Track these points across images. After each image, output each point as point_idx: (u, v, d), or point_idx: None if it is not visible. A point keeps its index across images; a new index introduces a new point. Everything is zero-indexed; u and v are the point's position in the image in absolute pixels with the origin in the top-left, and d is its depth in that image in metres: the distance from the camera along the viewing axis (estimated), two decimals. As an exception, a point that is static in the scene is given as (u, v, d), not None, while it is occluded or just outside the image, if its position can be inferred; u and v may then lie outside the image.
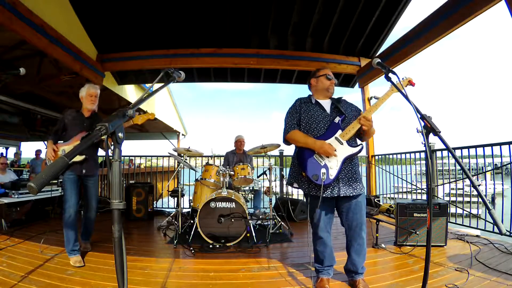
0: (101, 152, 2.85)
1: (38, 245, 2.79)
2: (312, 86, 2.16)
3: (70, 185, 2.50)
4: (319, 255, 2.07)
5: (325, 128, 1.96)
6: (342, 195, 1.90)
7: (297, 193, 5.66)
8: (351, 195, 1.91)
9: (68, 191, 2.48)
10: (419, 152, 4.45)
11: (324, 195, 1.88)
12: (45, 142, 2.62)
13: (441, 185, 4.36)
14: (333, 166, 1.87)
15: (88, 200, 2.69)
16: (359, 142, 2.04)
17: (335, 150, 1.87)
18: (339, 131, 1.92)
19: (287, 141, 2.08)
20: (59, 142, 2.64)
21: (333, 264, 2.10)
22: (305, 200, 2.04)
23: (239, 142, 4.75)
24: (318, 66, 5.03)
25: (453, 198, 7.73)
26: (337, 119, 1.95)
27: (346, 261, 2.07)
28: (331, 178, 1.86)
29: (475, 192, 1.41)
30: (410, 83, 1.77)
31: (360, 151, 1.94)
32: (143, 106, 7.55)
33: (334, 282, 2.11)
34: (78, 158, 2.48)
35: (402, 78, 1.75)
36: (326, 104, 2.08)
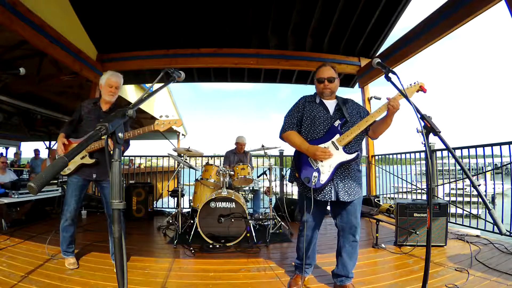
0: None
1: (40, 246, 2.78)
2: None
3: (72, 190, 2.30)
4: (301, 251, 2.05)
5: (324, 131, 1.89)
6: (340, 200, 1.84)
7: (297, 193, 5.65)
8: (348, 200, 1.85)
9: (69, 196, 2.30)
10: (419, 152, 4.45)
11: (318, 198, 1.85)
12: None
13: (441, 185, 4.36)
14: (325, 171, 1.82)
15: (108, 207, 2.28)
16: (356, 148, 1.91)
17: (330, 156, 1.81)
18: (337, 136, 1.84)
19: (282, 139, 2.05)
20: (72, 139, 2.34)
21: (313, 263, 2.14)
22: (298, 199, 2.03)
23: (239, 145, 4.74)
24: (318, 66, 5.06)
25: (453, 198, 7.73)
26: (337, 123, 1.87)
27: (337, 265, 2.00)
28: (322, 182, 1.81)
29: (475, 192, 1.40)
30: (422, 88, 1.67)
31: (354, 159, 1.84)
32: (143, 106, 7.55)
33: (319, 284, 2.10)
34: (88, 160, 2.26)
35: (414, 83, 1.69)
36: (331, 104, 1.98)
